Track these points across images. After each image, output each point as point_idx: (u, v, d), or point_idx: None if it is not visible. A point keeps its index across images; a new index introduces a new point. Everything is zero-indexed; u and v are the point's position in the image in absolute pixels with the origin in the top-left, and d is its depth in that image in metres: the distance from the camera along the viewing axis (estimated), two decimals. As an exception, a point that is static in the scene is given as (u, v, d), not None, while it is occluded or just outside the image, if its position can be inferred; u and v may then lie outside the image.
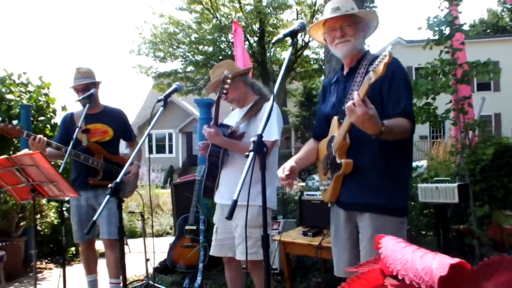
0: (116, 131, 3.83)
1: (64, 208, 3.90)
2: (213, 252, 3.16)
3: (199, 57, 21.76)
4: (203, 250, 4.36)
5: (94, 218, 2.28)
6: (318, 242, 3.42)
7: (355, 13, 2.14)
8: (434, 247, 3.51)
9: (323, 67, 6.91)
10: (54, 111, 6.19)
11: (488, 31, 32.13)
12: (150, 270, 4.57)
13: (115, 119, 3.88)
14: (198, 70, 22.03)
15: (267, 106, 2.95)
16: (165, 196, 10.02)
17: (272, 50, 20.12)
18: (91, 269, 3.90)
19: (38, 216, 5.33)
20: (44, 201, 5.38)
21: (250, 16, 20.12)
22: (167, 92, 2.83)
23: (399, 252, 0.50)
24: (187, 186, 5.04)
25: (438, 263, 0.46)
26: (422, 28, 4.43)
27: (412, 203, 4.14)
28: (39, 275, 5.23)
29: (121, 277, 2.78)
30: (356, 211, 2.12)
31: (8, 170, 2.88)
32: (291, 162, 2.27)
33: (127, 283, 2.84)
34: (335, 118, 2.11)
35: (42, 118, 6.00)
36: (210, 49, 21.29)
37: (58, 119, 5.90)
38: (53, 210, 5.68)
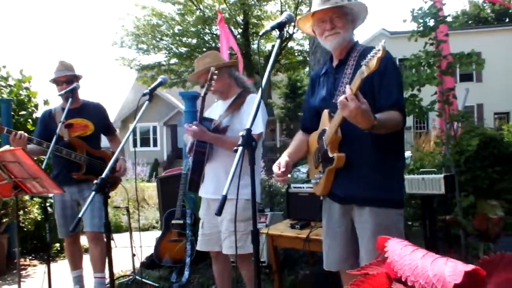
0: (96, 125, 3.81)
1: (47, 204, 3.85)
2: (200, 247, 3.15)
3: (182, 49, 21.60)
4: (190, 244, 4.34)
5: (80, 215, 2.26)
6: (306, 235, 3.42)
7: (345, 5, 2.12)
8: (420, 238, 3.54)
9: (308, 58, 6.90)
10: (36, 106, 6.09)
11: (470, 22, 32.46)
12: (137, 265, 4.54)
13: (95, 114, 3.86)
14: (182, 62, 21.83)
15: (250, 99, 2.96)
16: (150, 189, 9.95)
17: (259, 42, 20.08)
18: (76, 265, 3.87)
19: (21, 212, 5.25)
20: (27, 197, 5.29)
21: (234, 7, 19.98)
22: (152, 85, 2.79)
23: (407, 257, 0.48)
24: (172, 180, 4.99)
25: (451, 270, 0.44)
26: (407, 21, 4.45)
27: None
28: (23, 272, 5.15)
29: (106, 271, 2.75)
30: (355, 205, 2.11)
31: (-11, 167, 2.81)
32: (285, 158, 2.25)
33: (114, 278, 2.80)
34: (326, 111, 2.09)
35: (23, 112, 5.90)
36: (194, 41, 21.15)
37: (40, 114, 5.80)
38: (36, 206, 5.60)
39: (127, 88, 34.87)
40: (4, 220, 5.25)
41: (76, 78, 3.75)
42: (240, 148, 1.75)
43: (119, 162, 3.70)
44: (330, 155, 2.02)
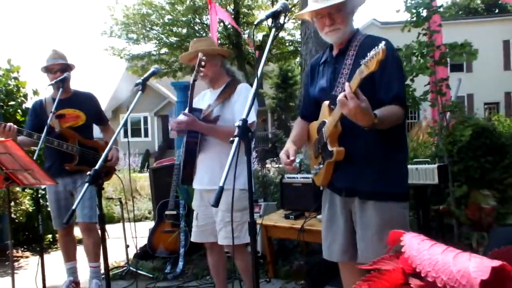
0: (88, 115, 3.77)
1: (39, 195, 3.81)
2: (194, 238, 3.13)
3: (173, 39, 21.38)
4: (184, 234, 4.33)
5: (74, 207, 2.24)
6: (300, 225, 3.43)
7: (341, 1, 2.07)
8: (414, 227, 3.56)
9: (299, 48, 6.86)
10: (25, 96, 6.00)
11: (460, 12, 32.50)
12: (131, 256, 4.53)
13: (87, 104, 3.81)
14: (172, 52, 21.62)
15: (241, 88, 2.94)
16: (142, 180, 9.93)
17: (251, 31, 19.97)
18: (70, 256, 3.85)
19: (13, 203, 5.19)
20: (18, 188, 5.25)
21: (224, -3, 19.82)
22: (145, 75, 2.75)
23: (426, 252, 0.46)
24: (165, 171, 4.97)
25: (477, 265, 0.43)
26: (400, 11, 4.43)
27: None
28: (15, 264, 5.12)
29: (101, 261, 2.73)
30: (358, 198, 2.08)
31: (-20, 159, 2.77)
32: (292, 146, 2.23)
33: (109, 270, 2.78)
34: (326, 103, 2.07)
35: (12, 102, 5.82)
36: (184, 31, 20.93)
37: (29, 104, 5.73)
38: (28, 198, 5.55)
39: (117, 78, 34.58)
40: (-5, 212, 5.21)
41: (69, 67, 3.71)
42: (236, 139, 1.73)
43: (112, 151, 3.66)
44: (330, 148, 2.00)
